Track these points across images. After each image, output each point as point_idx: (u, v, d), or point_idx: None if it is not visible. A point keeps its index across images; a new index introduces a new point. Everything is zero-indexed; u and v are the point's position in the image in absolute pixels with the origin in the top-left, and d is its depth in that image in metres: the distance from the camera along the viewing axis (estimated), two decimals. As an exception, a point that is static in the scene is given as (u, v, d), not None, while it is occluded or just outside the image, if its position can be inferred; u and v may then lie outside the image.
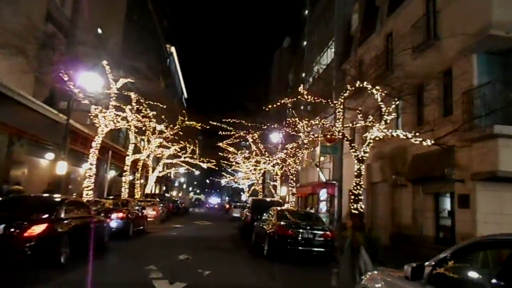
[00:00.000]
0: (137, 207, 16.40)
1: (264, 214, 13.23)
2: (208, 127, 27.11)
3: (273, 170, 28.53)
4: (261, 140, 25.53)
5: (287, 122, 17.38)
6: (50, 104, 17.05)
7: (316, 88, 23.14)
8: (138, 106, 19.72)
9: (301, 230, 10.66)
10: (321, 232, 10.71)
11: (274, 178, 29.73)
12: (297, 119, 14.27)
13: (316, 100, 12.96)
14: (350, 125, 12.35)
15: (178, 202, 38.05)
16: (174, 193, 64.70)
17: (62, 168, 14.46)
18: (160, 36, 46.81)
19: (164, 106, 21.41)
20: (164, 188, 48.43)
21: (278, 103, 15.04)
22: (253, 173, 34.91)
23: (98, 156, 18.66)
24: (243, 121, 21.61)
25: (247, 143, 29.08)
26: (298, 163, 22.07)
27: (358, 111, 12.39)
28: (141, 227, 16.22)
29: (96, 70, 15.17)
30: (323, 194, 22.73)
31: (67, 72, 14.44)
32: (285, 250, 10.53)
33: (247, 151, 29.99)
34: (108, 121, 17.49)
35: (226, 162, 37.35)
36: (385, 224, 14.95)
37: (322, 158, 23.69)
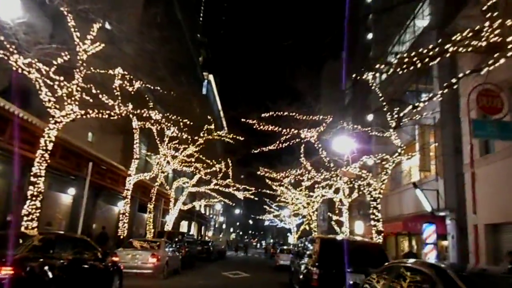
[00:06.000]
0: (89, 253, 8.36)
1: (373, 276, 4.85)
2: (242, 138, 19.69)
3: (336, 197, 19.83)
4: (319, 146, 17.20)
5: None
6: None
7: (398, 80, 15.15)
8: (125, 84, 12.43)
9: None
10: None
11: (337, 209, 20.88)
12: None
13: None
14: None
15: (210, 244, 30.12)
16: (210, 233, 56.80)
17: None
18: (195, 58, 42.42)
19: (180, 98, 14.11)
20: (188, 227, 40.58)
21: None
22: (304, 206, 26.11)
23: (58, 165, 11.47)
24: (295, 114, 13.66)
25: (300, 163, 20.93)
26: (382, 182, 13.47)
27: None
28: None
29: None
30: (428, 232, 13.66)
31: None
32: None
33: (297, 169, 21.55)
34: (67, 101, 10.34)
35: (268, 192, 28.97)
36: None
37: (430, 171, 14.87)
